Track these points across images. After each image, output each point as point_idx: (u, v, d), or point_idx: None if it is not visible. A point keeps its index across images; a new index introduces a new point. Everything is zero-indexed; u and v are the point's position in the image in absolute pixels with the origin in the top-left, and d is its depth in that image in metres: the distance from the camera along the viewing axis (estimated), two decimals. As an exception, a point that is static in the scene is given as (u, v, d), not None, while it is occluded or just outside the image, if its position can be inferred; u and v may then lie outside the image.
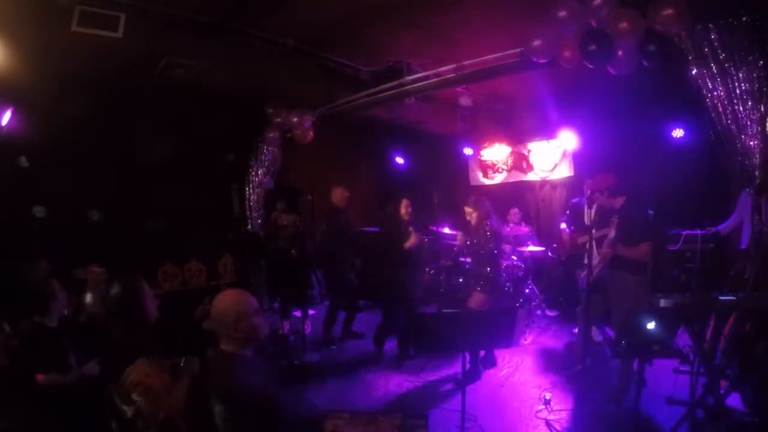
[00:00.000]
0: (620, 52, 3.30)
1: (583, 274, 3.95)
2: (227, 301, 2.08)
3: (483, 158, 7.66)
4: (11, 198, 4.42)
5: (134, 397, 2.19)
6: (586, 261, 3.78)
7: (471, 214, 4.26)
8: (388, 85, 4.80)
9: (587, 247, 3.71)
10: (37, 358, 2.79)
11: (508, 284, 5.58)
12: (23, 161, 4.44)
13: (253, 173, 6.34)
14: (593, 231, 3.72)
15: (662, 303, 2.69)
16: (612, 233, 3.61)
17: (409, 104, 5.05)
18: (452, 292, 6.03)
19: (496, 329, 2.88)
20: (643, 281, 3.62)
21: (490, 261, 4.15)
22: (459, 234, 4.52)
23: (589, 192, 3.94)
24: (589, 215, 4.04)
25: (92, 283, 3.75)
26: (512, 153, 7.29)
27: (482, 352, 4.33)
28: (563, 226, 5.02)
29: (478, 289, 4.13)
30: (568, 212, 5.20)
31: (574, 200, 5.22)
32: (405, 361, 4.55)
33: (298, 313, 5.54)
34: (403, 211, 4.73)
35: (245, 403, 1.85)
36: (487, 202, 4.31)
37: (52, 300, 3.01)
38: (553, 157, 6.81)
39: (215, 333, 2.08)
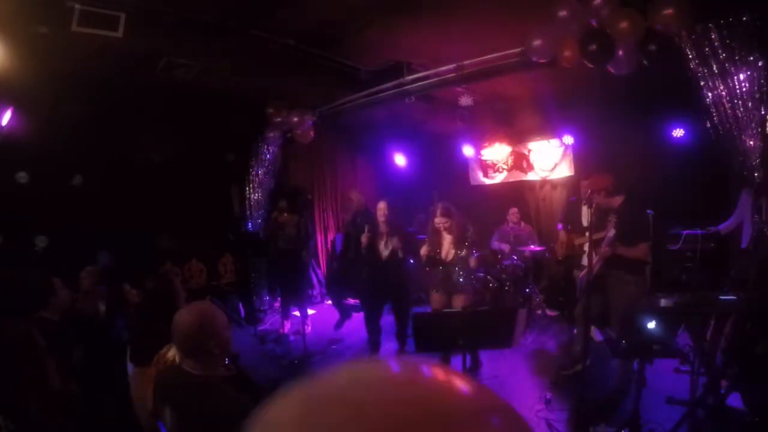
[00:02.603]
0: (620, 52, 3.30)
1: (582, 273, 3.95)
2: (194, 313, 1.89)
3: (483, 158, 7.65)
4: (11, 198, 4.42)
5: None
6: (584, 262, 3.76)
7: (445, 223, 3.94)
8: (388, 84, 4.80)
9: (585, 248, 3.70)
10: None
11: (508, 284, 5.58)
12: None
13: (253, 173, 6.34)
14: (592, 233, 3.71)
15: (662, 303, 2.70)
16: (611, 232, 3.61)
17: (409, 104, 5.05)
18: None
19: (496, 329, 2.88)
20: (642, 281, 3.62)
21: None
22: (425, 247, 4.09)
23: (588, 192, 3.94)
24: (587, 215, 4.04)
25: (87, 283, 3.75)
26: (512, 152, 7.28)
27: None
28: (560, 226, 5.02)
29: (436, 290, 4.08)
30: (565, 210, 5.20)
31: (573, 198, 5.22)
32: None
33: (298, 313, 5.55)
34: (379, 213, 4.38)
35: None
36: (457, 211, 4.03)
37: (52, 296, 3.03)
38: (553, 156, 6.80)
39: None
